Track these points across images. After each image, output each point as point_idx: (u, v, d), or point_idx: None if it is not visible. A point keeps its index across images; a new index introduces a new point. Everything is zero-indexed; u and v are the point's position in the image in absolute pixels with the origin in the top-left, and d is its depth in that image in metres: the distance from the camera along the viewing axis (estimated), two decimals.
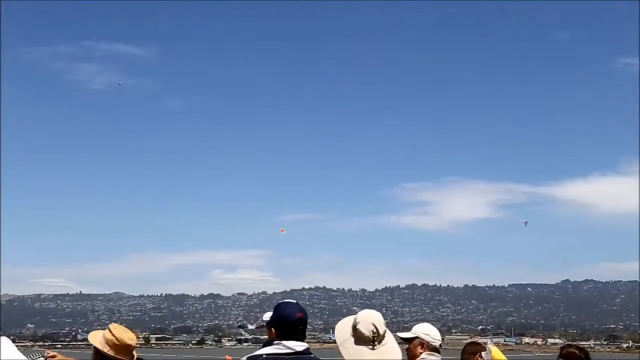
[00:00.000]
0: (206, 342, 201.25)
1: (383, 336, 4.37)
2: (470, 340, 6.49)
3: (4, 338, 4.39)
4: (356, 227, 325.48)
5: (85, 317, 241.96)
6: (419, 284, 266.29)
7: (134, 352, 5.04)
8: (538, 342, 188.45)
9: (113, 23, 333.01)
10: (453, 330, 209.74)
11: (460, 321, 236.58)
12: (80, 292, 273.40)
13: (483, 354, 5.91)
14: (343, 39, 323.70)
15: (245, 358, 4.33)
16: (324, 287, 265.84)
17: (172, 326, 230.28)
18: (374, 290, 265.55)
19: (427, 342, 5.63)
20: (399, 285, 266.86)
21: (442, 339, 5.99)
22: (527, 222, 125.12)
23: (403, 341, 5.62)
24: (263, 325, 5.49)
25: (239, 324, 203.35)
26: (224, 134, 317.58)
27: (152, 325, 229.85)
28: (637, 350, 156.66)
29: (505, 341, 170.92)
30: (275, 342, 4.36)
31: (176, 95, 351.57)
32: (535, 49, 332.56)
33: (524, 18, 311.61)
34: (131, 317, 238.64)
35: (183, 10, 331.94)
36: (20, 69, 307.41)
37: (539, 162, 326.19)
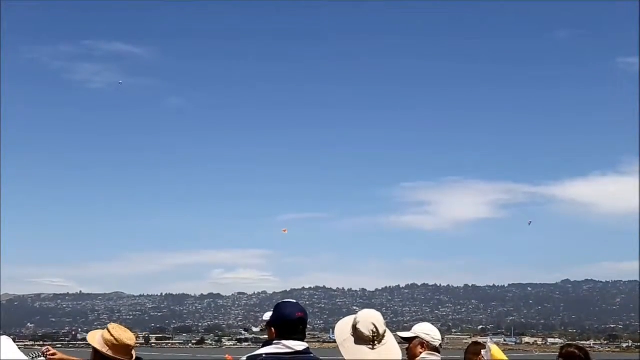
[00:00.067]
0: (206, 341, 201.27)
1: (383, 336, 4.37)
2: (473, 341, 6.49)
3: (5, 337, 4.39)
4: (356, 226, 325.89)
5: (85, 317, 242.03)
6: (419, 284, 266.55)
7: (133, 352, 5.04)
8: (538, 342, 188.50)
9: (113, 22, 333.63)
10: (453, 330, 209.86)
11: (461, 321, 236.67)
12: (81, 291, 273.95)
13: (483, 352, 5.91)
14: (343, 39, 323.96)
15: (245, 358, 4.33)
16: (324, 286, 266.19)
17: (172, 326, 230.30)
18: (374, 290, 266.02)
19: (427, 342, 5.63)
20: (399, 285, 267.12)
21: (442, 339, 5.98)
22: (531, 222, 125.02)
23: (403, 341, 5.61)
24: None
25: (245, 327, 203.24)
26: (224, 133, 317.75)
27: (152, 325, 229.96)
28: (637, 350, 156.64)
29: (505, 341, 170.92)
30: (275, 341, 4.35)
31: (176, 95, 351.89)
32: (535, 48, 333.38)
33: (524, 17, 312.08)
34: (131, 317, 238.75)
35: (183, 9, 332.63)
36: (20, 68, 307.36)
37: (539, 162, 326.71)
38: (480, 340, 6.37)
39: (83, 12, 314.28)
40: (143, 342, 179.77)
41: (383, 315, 4.53)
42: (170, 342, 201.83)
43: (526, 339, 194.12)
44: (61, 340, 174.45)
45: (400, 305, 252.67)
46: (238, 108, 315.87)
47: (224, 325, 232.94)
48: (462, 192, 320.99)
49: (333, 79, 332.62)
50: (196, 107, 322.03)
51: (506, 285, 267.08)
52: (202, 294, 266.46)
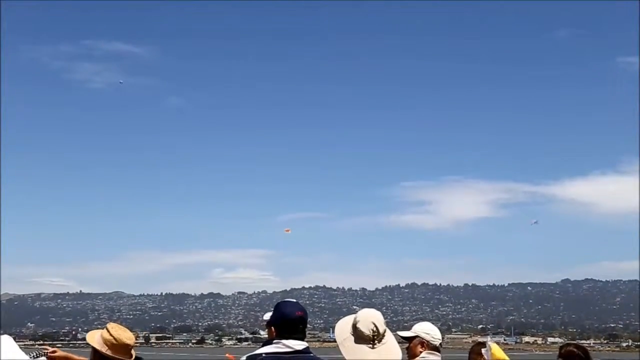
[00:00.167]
0: (206, 341, 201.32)
1: (383, 335, 4.37)
2: (477, 341, 6.48)
3: (5, 336, 4.39)
4: (356, 226, 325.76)
5: (85, 316, 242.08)
6: (419, 283, 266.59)
7: (133, 352, 5.03)
8: (538, 341, 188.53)
9: (113, 22, 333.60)
10: (453, 330, 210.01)
11: (460, 320, 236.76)
12: (81, 291, 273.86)
13: (483, 351, 5.89)
14: (343, 39, 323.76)
15: (245, 357, 4.33)
16: (324, 286, 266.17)
17: (172, 325, 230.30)
18: (374, 289, 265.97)
19: (427, 341, 5.62)
20: (399, 284, 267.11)
21: (442, 338, 5.98)
22: (536, 221, 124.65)
23: (403, 340, 5.61)
24: None
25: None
26: (224, 133, 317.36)
27: (152, 324, 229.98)
28: (637, 350, 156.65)
29: (505, 340, 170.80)
30: (275, 341, 4.35)
31: (176, 95, 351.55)
32: (535, 48, 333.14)
33: (523, 17, 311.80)
34: (131, 316, 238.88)
35: (183, 9, 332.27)
36: (20, 68, 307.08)
37: (539, 161, 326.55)
38: (481, 339, 6.36)
39: (83, 11, 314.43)
40: (143, 341, 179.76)
41: (383, 315, 4.53)
42: (171, 341, 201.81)
43: (526, 338, 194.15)
44: (61, 340, 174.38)
45: (400, 304, 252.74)
46: (238, 108, 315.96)
47: (224, 325, 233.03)
48: (462, 192, 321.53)
49: (333, 79, 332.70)
50: (196, 107, 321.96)
51: (506, 284, 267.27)
52: (202, 294, 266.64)
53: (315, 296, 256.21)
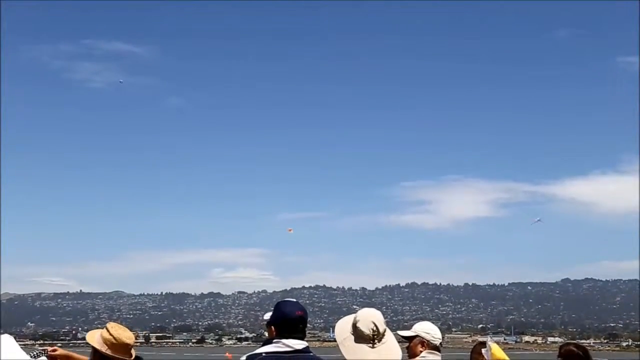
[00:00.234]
0: (206, 340, 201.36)
1: (383, 334, 4.37)
2: (479, 341, 6.49)
3: (6, 336, 4.39)
4: (356, 225, 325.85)
5: (85, 316, 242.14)
6: (419, 283, 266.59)
7: (133, 351, 5.03)
8: (538, 341, 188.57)
9: (113, 21, 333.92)
10: (453, 329, 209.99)
11: (461, 320, 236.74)
12: (81, 290, 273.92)
13: (483, 351, 5.89)
14: (343, 39, 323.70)
15: (245, 357, 4.33)
16: (324, 285, 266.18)
17: (172, 325, 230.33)
18: (374, 288, 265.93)
19: (428, 341, 5.63)
20: (399, 284, 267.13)
21: (442, 338, 5.98)
22: (539, 219, 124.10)
23: (403, 339, 5.62)
24: None
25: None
26: (224, 133, 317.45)
27: (153, 324, 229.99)
28: (637, 349, 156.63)
29: (505, 340, 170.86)
30: (275, 340, 4.36)
31: (176, 95, 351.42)
32: (535, 48, 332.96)
33: (523, 17, 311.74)
34: (131, 316, 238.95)
35: (183, 9, 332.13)
36: (20, 67, 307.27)
37: (539, 161, 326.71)
38: (482, 339, 6.36)
39: (83, 11, 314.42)
40: (143, 341, 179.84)
41: (383, 314, 4.53)
42: (171, 341, 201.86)
43: (526, 338, 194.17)
44: (61, 340, 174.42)
45: (401, 304, 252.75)
46: (238, 108, 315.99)
47: (224, 324, 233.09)
48: (462, 191, 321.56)
49: (333, 79, 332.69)
50: (196, 107, 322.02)
51: (506, 284, 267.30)
52: (202, 293, 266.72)
53: (315, 296, 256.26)
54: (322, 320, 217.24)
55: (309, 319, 4.55)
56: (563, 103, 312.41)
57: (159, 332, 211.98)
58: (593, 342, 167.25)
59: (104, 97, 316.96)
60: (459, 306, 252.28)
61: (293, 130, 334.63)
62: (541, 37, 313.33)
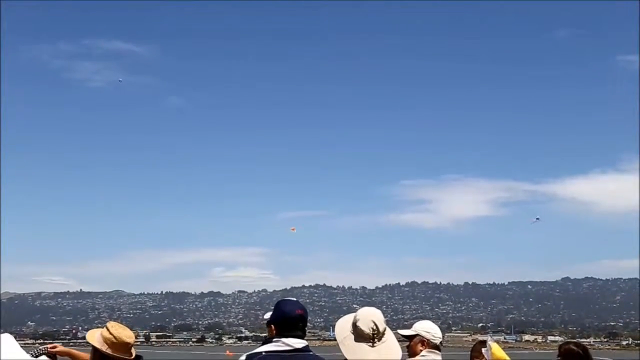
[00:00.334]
0: (206, 339, 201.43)
1: (383, 333, 4.37)
2: (479, 339, 6.49)
3: (6, 335, 4.39)
4: (356, 224, 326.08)
5: (85, 315, 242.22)
6: (419, 282, 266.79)
7: (133, 350, 5.04)
8: (538, 340, 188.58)
9: (112, 21, 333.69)
10: (453, 328, 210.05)
11: (461, 319, 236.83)
12: (81, 290, 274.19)
13: (483, 350, 5.90)
14: (343, 39, 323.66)
15: (244, 356, 4.33)
16: (324, 284, 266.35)
17: (172, 324, 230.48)
18: (374, 287, 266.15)
19: (428, 340, 5.63)
20: (399, 283, 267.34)
21: (442, 337, 5.99)
22: (538, 218, 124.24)
23: (404, 338, 5.62)
24: None
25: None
26: (224, 133, 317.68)
27: (153, 323, 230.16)
28: (637, 348, 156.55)
29: (505, 339, 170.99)
30: (275, 339, 4.36)
31: (176, 94, 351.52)
32: (535, 48, 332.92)
33: (523, 17, 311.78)
34: (132, 315, 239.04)
35: (183, 9, 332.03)
36: (20, 67, 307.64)
37: (539, 160, 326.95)
38: (482, 338, 6.36)
39: (83, 10, 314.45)
40: (143, 340, 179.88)
41: (383, 313, 4.53)
42: (171, 340, 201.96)
43: (526, 337, 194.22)
44: (62, 339, 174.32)
45: (401, 303, 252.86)
46: (238, 108, 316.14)
47: (224, 323, 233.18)
48: (462, 190, 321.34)
49: (333, 79, 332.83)
50: (196, 107, 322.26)
51: (506, 283, 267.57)
52: (202, 292, 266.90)
53: (316, 295, 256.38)
54: (322, 319, 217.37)
55: (309, 318, 4.56)
56: (563, 103, 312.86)
57: (159, 331, 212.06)
58: (593, 341, 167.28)
59: (104, 96, 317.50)
60: (459, 305, 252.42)
61: (293, 130, 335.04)
62: (541, 37, 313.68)
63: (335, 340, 4.51)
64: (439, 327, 5.95)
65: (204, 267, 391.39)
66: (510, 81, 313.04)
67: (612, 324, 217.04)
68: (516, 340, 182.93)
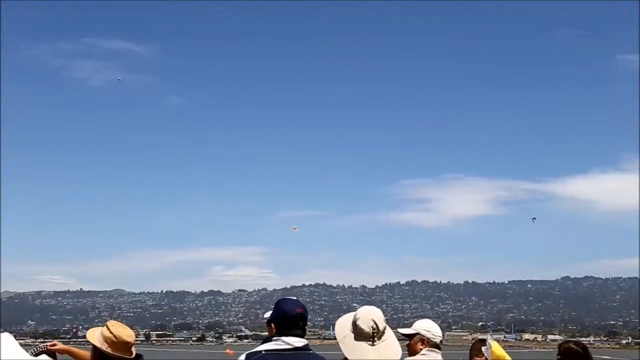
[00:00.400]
0: (207, 338, 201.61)
1: (383, 332, 4.37)
2: (479, 338, 6.49)
3: (6, 334, 4.40)
4: (356, 223, 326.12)
5: (85, 314, 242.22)
6: (419, 281, 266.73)
7: (133, 349, 5.04)
8: (538, 339, 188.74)
9: (112, 20, 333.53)
10: (453, 327, 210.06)
11: (461, 317, 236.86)
12: (81, 289, 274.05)
13: (483, 349, 5.90)
14: (343, 39, 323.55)
15: (244, 355, 4.33)
16: (324, 283, 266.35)
17: (172, 323, 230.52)
18: (374, 286, 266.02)
19: (428, 339, 5.63)
20: (399, 282, 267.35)
21: (442, 336, 5.99)
22: (535, 218, 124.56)
23: (404, 337, 5.62)
24: None
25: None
26: (224, 133, 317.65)
27: (153, 322, 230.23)
28: (636, 347, 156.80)
29: (505, 337, 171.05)
30: (275, 338, 4.36)
31: (176, 94, 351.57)
32: (535, 48, 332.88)
33: (523, 17, 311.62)
34: (132, 314, 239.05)
35: (183, 9, 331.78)
36: (20, 66, 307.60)
37: (539, 159, 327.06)
38: (482, 337, 6.37)
39: (83, 10, 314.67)
40: (143, 339, 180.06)
41: (383, 312, 4.54)
42: (171, 339, 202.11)
43: (526, 336, 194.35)
44: (62, 338, 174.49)
45: (401, 302, 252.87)
46: (238, 108, 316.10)
47: (224, 322, 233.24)
48: (462, 189, 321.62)
49: (333, 79, 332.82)
50: (196, 107, 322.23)
51: (506, 282, 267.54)
52: (202, 291, 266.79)
53: (316, 294, 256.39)
54: (322, 318, 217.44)
55: (309, 316, 4.56)
56: (563, 102, 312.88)
57: (159, 330, 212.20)
58: (593, 340, 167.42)
59: (104, 95, 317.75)
60: (459, 304, 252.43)
61: (293, 130, 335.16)
62: (541, 37, 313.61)
63: (335, 339, 4.52)
64: (439, 325, 5.95)
65: (204, 266, 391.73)
66: (510, 81, 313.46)
67: (612, 323, 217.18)
68: (516, 339, 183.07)
